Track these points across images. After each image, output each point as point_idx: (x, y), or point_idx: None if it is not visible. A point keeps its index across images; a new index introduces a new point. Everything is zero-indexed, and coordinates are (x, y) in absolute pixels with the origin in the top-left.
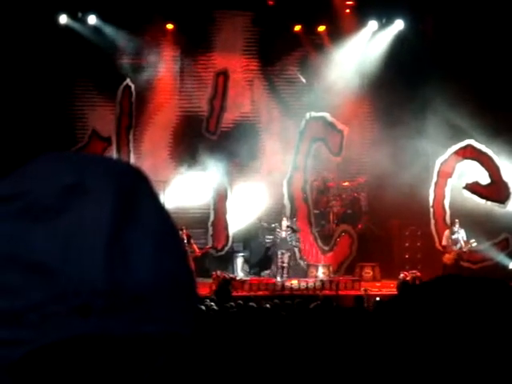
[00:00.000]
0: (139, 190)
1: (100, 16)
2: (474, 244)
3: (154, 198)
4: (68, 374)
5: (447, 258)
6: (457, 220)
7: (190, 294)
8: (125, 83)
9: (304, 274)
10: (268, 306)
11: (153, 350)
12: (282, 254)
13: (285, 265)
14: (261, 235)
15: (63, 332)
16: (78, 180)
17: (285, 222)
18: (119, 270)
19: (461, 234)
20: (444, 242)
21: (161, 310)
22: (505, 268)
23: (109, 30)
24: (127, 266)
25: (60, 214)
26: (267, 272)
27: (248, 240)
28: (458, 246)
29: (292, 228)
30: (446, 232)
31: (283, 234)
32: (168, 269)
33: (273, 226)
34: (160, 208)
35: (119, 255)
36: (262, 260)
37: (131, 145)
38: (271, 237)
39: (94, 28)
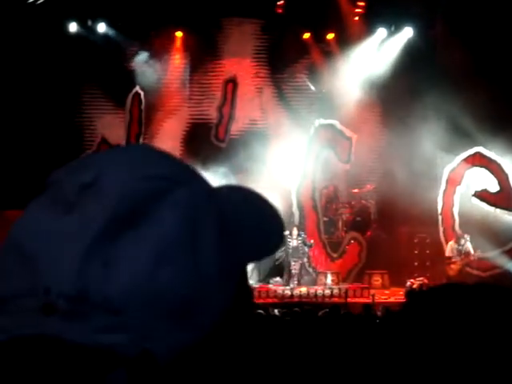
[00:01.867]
0: (206, 213)
1: (109, 24)
2: (479, 254)
3: (174, 206)
4: (17, 372)
5: (451, 268)
6: (461, 232)
7: (186, 314)
8: (134, 91)
9: (313, 281)
10: (277, 313)
11: (108, 363)
12: (295, 262)
13: (297, 273)
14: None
15: (27, 328)
16: (93, 179)
17: (295, 231)
18: (94, 277)
19: (465, 246)
20: (448, 253)
21: (134, 324)
22: None
23: (118, 38)
24: (106, 275)
25: (71, 210)
26: (276, 280)
27: None
28: (462, 257)
29: (304, 243)
30: (451, 243)
31: (294, 243)
32: (156, 285)
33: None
34: (176, 217)
35: (100, 263)
36: (272, 268)
37: None
38: (283, 246)
39: (104, 36)
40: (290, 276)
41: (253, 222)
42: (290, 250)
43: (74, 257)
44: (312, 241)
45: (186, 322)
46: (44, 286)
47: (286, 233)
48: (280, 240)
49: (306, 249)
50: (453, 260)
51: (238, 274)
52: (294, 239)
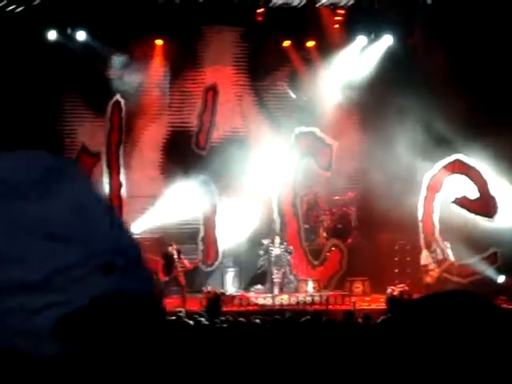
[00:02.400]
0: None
1: (89, 32)
2: (456, 261)
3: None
4: (105, 331)
5: (429, 276)
6: (435, 241)
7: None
8: (115, 99)
9: (294, 288)
10: (258, 321)
11: (153, 306)
12: (277, 270)
13: (280, 281)
14: (255, 252)
15: (93, 291)
16: (54, 163)
17: (277, 240)
18: (119, 235)
19: (439, 253)
20: (424, 262)
21: (140, 271)
22: (494, 282)
23: (98, 46)
24: (121, 234)
25: (50, 192)
26: (257, 288)
27: (238, 255)
28: (437, 264)
29: (286, 250)
30: (425, 251)
31: (277, 251)
32: (129, 237)
33: (266, 243)
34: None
35: (114, 224)
36: (254, 276)
37: (121, 160)
38: (265, 255)
39: (83, 44)
40: (273, 284)
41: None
42: (273, 259)
43: (106, 221)
44: (291, 247)
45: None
46: (99, 250)
47: (267, 241)
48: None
49: (288, 256)
50: (429, 268)
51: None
52: (276, 247)
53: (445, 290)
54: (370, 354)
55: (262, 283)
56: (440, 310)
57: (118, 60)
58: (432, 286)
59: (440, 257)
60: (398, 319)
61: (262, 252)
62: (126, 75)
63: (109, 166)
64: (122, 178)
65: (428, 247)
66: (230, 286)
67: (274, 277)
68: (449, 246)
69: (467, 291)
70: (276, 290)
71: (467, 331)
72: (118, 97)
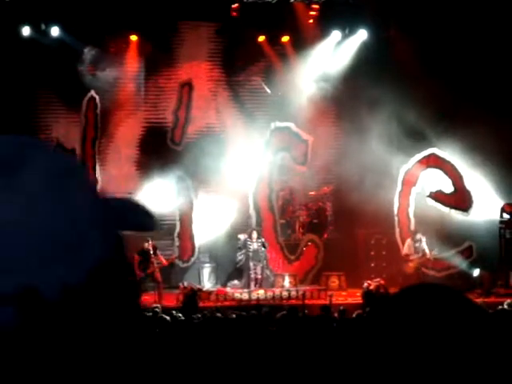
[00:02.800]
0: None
1: (63, 28)
2: (435, 252)
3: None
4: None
5: (408, 266)
6: (418, 230)
7: (63, 254)
8: (89, 95)
9: (271, 283)
10: (234, 316)
11: None
12: (255, 265)
13: (258, 276)
14: (231, 248)
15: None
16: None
17: (255, 235)
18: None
19: (423, 243)
20: (406, 251)
21: (17, 265)
22: (469, 276)
23: (72, 42)
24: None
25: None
26: (234, 283)
27: (214, 251)
28: (420, 254)
29: (263, 244)
30: (408, 241)
31: (255, 246)
32: (31, 227)
33: (243, 238)
34: (47, 169)
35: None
36: (231, 271)
37: (96, 156)
38: (243, 249)
39: (58, 40)
40: (250, 279)
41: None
42: (251, 254)
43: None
44: (266, 242)
45: (65, 260)
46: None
47: (244, 236)
48: (145, 221)
49: (264, 250)
50: (410, 258)
51: (112, 234)
52: (254, 242)
53: (419, 284)
54: (346, 348)
55: (239, 278)
56: (414, 304)
57: (92, 56)
58: (410, 278)
59: (424, 247)
60: (374, 314)
61: (239, 247)
62: (101, 71)
63: (84, 163)
64: (98, 174)
65: (413, 238)
66: (207, 282)
67: (251, 272)
68: (424, 240)
69: (441, 285)
70: (253, 285)
71: (441, 325)
72: (92, 93)
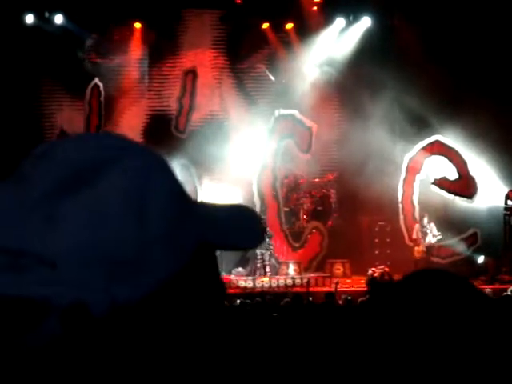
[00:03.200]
0: (99, 164)
1: (67, 15)
2: (440, 237)
3: (123, 173)
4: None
5: (417, 251)
6: (425, 214)
7: (123, 271)
8: (93, 83)
9: (275, 271)
10: (238, 302)
11: (42, 313)
12: (262, 253)
13: (266, 263)
14: None
15: None
16: (44, 150)
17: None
18: (34, 231)
19: (430, 228)
20: (414, 236)
21: (69, 277)
22: (473, 262)
23: (76, 30)
24: (46, 230)
25: (22, 180)
26: (238, 270)
27: None
28: (427, 239)
29: (266, 233)
30: (416, 226)
31: None
32: (94, 242)
33: None
34: (122, 182)
35: (40, 218)
36: (235, 259)
37: None
38: None
39: (61, 27)
40: (257, 267)
41: (227, 214)
42: None
43: (14, 214)
44: (271, 231)
45: (124, 278)
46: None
47: None
48: (255, 241)
49: (267, 239)
50: (420, 242)
51: (191, 247)
52: None
53: (423, 269)
54: (350, 335)
55: (244, 266)
56: (418, 289)
57: (96, 43)
58: (418, 264)
59: (433, 232)
60: (378, 299)
61: None
62: (105, 59)
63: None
64: None
65: (421, 223)
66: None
67: (258, 259)
68: (432, 224)
69: (445, 270)
70: (261, 273)
71: (445, 311)
72: (96, 80)
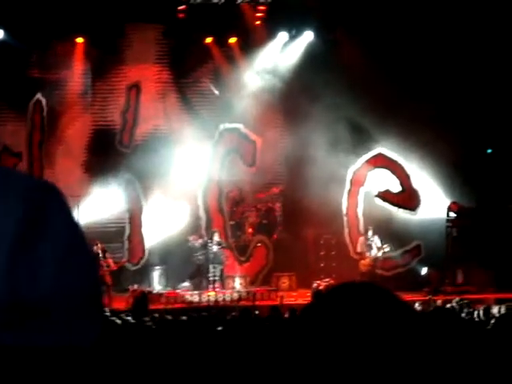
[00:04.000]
0: (49, 205)
1: (8, 30)
2: (387, 249)
3: (64, 212)
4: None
5: (363, 264)
6: (370, 227)
7: (95, 307)
8: (35, 98)
9: (222, 285)
10: (184, 318)
11: (49, 362)
12: (214, 267)
13: (216, 278)
14: (182, 250)
15: None
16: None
17: (216, 237)
18: (22, 282)
19: (374, 241)
20: (359, 249)
21: (61, 323)
22: (417, 274)
23: (18, 45)
24: (31, 281)
25: None
26: (184, 285)
27: (165, 253)
28: (373, 252)
29: (221, 244)
30: (361, 239)
31: (215, 249)
32: (72, 283)
33: (204, 241)
34: (70, 222)
35: (23, 270)
36: (183, 274)
37: (43, 160)
38: (202, 251)
39: (3, 42)
40: (208, 281)
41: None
42: (211, 256)
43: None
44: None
45: (93, 316)
46: None
47: (206, 239)
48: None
49: (222, 252)
50: (365, 256)
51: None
52: (214, 245)
53: (346, 282)
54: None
55: (191, 280)
56: (342, 302)
57: (38, 59)
58: (363, 277)
59: (378, 244)
60: (305, 313)
61: (198, 248)
62: (48, 74)
63: (31, 166)
64: (45, 177)
65: (365, 235)
66: (157, 284)
67: (210, 274)
68: (376, 237)
69: (368, 283)
70: (211, 288)
71: (368, 321)
72: (38, 96)
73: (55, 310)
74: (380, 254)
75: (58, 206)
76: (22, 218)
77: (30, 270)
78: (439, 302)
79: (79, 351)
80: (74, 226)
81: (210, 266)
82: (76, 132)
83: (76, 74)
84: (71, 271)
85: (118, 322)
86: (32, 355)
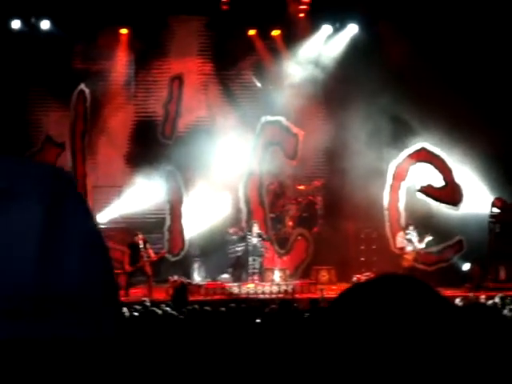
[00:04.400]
0: (67, 194)
1: (53, 21)
2: (429, 238)
3: (80, 201)
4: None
5: (405, 260)
6: (410, 222)
7: (114, 296)
8: (79, 88)
9: (261, 277)
10: (223, 309)
11: (78, 353)
12: (254, 260)
13: (256, 270)
14: (228, 243)
15: None
16: (5, 185)
17: (255, 229)
18: (51, 274)
19: (414, 236)
20: (399, 245)
21: (88, 314)
22: (459, 270)
23: (62, 36)
24: (58, 271)
25: None
26: (224, 276)
27: (205, 244)
28: (411, 247)
29: (261, 236)
30: (400, 234)
31: (254, 241)
32: (96, 272)
33: (243, 233)
34: (86, 211)
35: (50, 260)
36: (222, 265)
37: (86, 150)
38: (241, 244)
39: (48, 33)
40: (248, 274)
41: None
42: (250, 248)
43: (27, 259)
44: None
45: (115, 305)
46: (4, 294)
47: (247, 232)
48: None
49: (262, 244)
50: (405, 251)
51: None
52: (254, 237)
53: (384, 274)
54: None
55: (231, 272)
56: (379, 294)
57: (82, 49)
58: (404, 271)
59: (416, 239)
60: (340, 304)
61: (237, 239)
62: (91, 65)
63: (73, 156)
64: (87, 167)
65: (404, 230)
66: (197, 275)
67: (249, 266)
68: (415, 232)
69: (408, 276)
70: (254, 279)
71: (406, 314)
72: (82, 86)
73: (82, 301)
74: (422, 245)
75: (76, 194)
76: (44, 210)
77: (58, 259)
78: (482, 297)
79: (105, 341)
80: (91, 215)
81: (250, 259)
82: (119, 123)
83: (119, 65)
84: (93, 261)
85: (159, 312)
86: (59, 347)
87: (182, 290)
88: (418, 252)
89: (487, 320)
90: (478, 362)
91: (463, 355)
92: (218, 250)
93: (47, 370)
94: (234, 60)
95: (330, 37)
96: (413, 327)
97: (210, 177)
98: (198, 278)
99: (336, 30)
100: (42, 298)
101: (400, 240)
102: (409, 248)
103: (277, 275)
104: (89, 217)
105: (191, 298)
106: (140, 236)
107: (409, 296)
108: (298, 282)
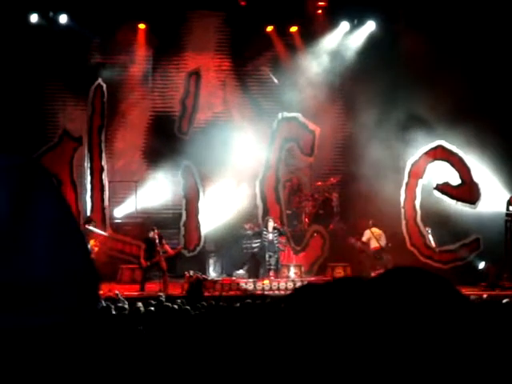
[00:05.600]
0: (35, 184)
1: (71, 16)
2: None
3: (51, 190)
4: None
5: (422, 257)
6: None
7: (88, 283)
8: (96, 83)
9: (276, 274)
10: (238, 305)
11: (46, 340)
12: (270, 256)
13: (272, 267)
14: (237, 237)
15: None
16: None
17: (271, 224)
18: (17, 264)
19: (429, 233)
20: (414, 241)
21: (57, 301)
22: (474, 268)
23: (80, 30)
24: (25, 260)
25: None
26: (240, 272)
27: (220, 240)
28: (429, 244)
29: (279, 231)
30: (418, 231)
31: (270, 237)
32: (64, 260)
33: (259, 229)
34: (57, 201)
35: (17, 249)
36: (238, 261)
37: (103, 145)
38: (257, 240)
39: (66, 27)
40: (265, 270)
41: None
42: (266, 244)
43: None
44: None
45: (87, 291)
46: None
47: (263, 228)
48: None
49: (278, 240)
50: (421, 248)
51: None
52: (270, 233)
53: (400, 267)
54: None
55: (246, 268)
56: (394, 286)
57: (100, 44)
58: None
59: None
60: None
61: (253, 235)
62: (109, 59)
63: (90, 151)
64: (104, 162)
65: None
66: (212, 271)
67: (266, 263)
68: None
69: (423, 269)
70: (270, 276)
71: (420, 305)
72: (99, 81)
73: (49, 288)
74: (433, 245)
75: (46, 184)
76: (10, 200)
77: (26, 251)
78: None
79: (75, 327)
80: (63, 204)
81: (266, 255)
82: (136, 118)
83: (137, 60)
84: (62, 249)
85: (174, 307)
86: (32, 335)
87: (198, 286)
88: (433, 250)
89: (500, 317)
90: (488, 355)
91: (474, 347)
92: (233, 245)
93: (16, 358)
94: (252, 56)
95: (347, 33)
96: (425, 317)
97: (227, 173)
98: (213, 273)
99: (354, 27)
100: (8, 285)
101: (417, 236)
102: (425, 246)
103: (292, 271)
104: (59, 206)
105: (206, 294)
106: (156, 231)
107: (422, 286)
108: (313, 278)
